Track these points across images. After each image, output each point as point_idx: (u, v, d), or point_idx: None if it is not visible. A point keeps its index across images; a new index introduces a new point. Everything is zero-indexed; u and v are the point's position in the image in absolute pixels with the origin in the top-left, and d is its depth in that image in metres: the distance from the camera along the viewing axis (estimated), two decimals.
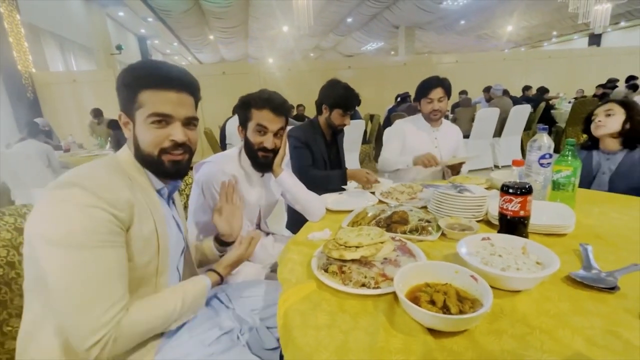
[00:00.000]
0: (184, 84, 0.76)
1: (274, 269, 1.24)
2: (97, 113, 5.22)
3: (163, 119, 0.73)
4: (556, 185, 1.11)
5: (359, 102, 1.71)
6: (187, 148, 0.78)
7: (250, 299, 0.95)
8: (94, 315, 0.59)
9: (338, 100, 1.66)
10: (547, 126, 1.11)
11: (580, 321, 0.60)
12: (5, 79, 5.65)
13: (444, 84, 1.84)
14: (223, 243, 1.06)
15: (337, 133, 1.83)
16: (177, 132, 0.74)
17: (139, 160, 0.77)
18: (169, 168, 0.76)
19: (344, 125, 1.74)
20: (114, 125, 4.51)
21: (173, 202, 0.89)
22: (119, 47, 9.10)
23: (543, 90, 6.41)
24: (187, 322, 0.83)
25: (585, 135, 1.58)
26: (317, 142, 1.74)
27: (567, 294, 0.69)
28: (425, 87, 1.84)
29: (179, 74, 0.75)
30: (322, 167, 1.76)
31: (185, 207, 1.36)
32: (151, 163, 0.75)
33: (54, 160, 3.72)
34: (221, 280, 0.87)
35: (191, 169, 1.22)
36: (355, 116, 4.85)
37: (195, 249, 1.05)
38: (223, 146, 4.63)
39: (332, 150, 1.84)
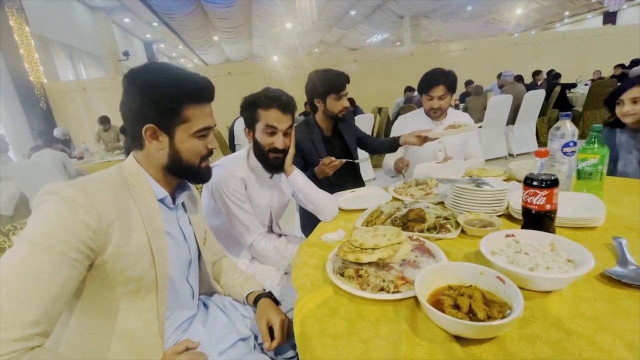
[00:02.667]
0: (214, 93, 0.78)
1: (288, 272, 1.22)
2: (103, 120, 5.29)
3: (208, 131, 0.77)
4: (582, 175, 1.05)
5: (347, 79, 1.59)
6: (212, 152, 0.81)
7: None
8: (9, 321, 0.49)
9: (326, 86, 1.56)
10: (569, 112, 1.05)
11: (620, 324, 0.56)
12: (19, 91, 5.79)
13: (448, 80, 1.70)
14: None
15: (339, 122, 1.69)
16: (213, 140, 0.79)
17: (173, 170, 0.76)
18: (206, 173, 0.81)
19: (346, 108, 1.60)
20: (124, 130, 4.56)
21: (185, 210, 0.87)
22: (125, 53, 9.20)
23: (555, 76, 6.18)
24: (205, 325, 0.83)
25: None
26: (312, 142, 1.64)
27: (603, 293, 0.64)
28: (427, 83, 1.73)
29: (212, 85, 0.77)
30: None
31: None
32: (190, 171, 0.78)
33: (70, 167, 3.80)
34: None
35: None
36: (357, 111, 4.77)
37: (211, 264, 0.99)
38: (232, 147, 4.64)
39: (334, 145, 1.72)
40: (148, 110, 0.70)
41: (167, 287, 0.73)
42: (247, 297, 0.93)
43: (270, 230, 1.36)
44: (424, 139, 1.52)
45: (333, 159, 1.43)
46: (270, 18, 9.77)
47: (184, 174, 0.79)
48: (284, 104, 1.10)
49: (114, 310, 0.67)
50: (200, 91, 0.74)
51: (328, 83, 1.56)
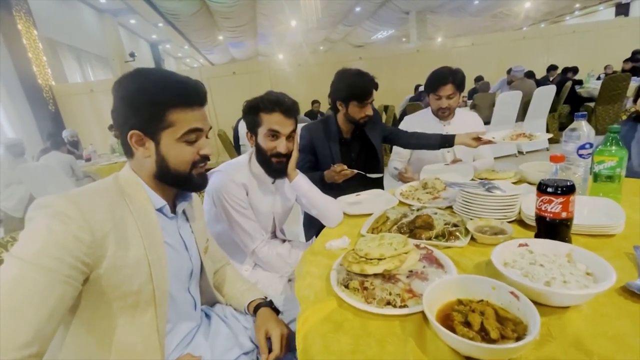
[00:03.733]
0: (205, 97, 0.75)
1: (291, 279, 1.19)
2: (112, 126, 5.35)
3: (195, 135, 0.73)
4: (599, 178, 1.00)
5: (375, 87, 1.49)
6: (208, 158, 0.77)
7: None
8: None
9: (350, 91, 1.47)
10: (585, 113, 1.00)
11: None
12: (28, 94, 5.87)
13: (456, 79, 1.64)
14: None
15: (360, 127, 1.59)
16: (206, 146, 0.75)
17: (163, 178, 0.73)
18: (199, 181, 0.77)
19: (366, 117, 1.51)
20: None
21: (186, 218, 0.84)
22: (132, 55, 9.28)
23: (571, 71, 5.97)
24: (207, 338, 0.81)
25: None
26: (326, 143, 1.59)
27: (626, 309, 0.60)
28: (434, 82, 1.67)
29: (201, 88, 0.74)
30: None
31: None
32: (180, 179, 0.74)
33: (78, 170, 3.84)
34: None
35: None
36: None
37: (213, 273, 0.97)
38: (237, 147, 4.64)
39: (350, 149, 1.66)
40: (131, 116, 0.68)
41: (167, 301, 0.71)
42: (247, 306, 0.90)
43: (274, 235, 1.34)
44: (479, 140, 1.42)
45: (345, 167, 1.36)
46: (275, 16, 9.74)
47: (175, 183, 0.75)
48: (287, 107, 1.07)
49: (112, 326, 0.65)
50: (184, 94, 0.70)
51: (353, 90, 1.47)
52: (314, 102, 6.35)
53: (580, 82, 5.94)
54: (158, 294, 0.68)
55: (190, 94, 0.71)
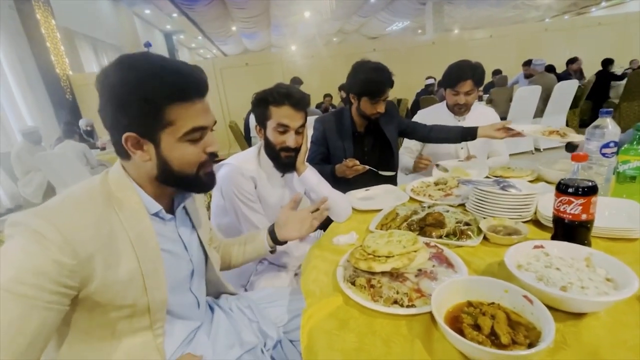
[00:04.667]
0: (206, 86, 0.65)
1: (298, 272, 1.19)
2: None
3: (200, 133, 0.65)
4: (622, 178, 0.95)
5: (391, 84, 1.45)
6: (216, 155, 0.70)
7: (274, 310, 0.90)
8: None
9: (364, 87, 1.43)
10: (611, 110, 0.95)
11: None
12: (46, 82, 6.00)
13: (476, 74, 1.58)
14: (277, 240, 0.97)
15: (373, 123, 1.57)
16: (213, 142, 0.67)
17: (166, 181, 0.66)
18: (207, 181, 0.70)
19: (378, 113, 1.48)
20: None
21: (187, 213, 0.80)
22: (146, 45, 9.34)
23: (608, 63, 5.59)
24: (209, 336, 0.79)
25: None
26: (339, 136, 1.56)
27: None
28: (453, 77, 1.60)
29: (201, 76, 0.64)
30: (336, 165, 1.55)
31: (209, 207, 1.34)
32: (186, 181, 0.67)
33: (92, 158, 3.92)
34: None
35: None
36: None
37: (219, 263, 0.94)
38: (248, 139, 4.65)
39: (364, 143, 1.63)
40: (123, 116, 0.59)
41: (165, 308, 0.67)
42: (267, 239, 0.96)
43: None
44: (506, 131, 1.35)
45: (357, 162, 1.33)
46: (288, 7, 9.63)
47: (180, 185, 0.69)
48: (297, 101, 1.05)
49: (109, 332, 0.62)
50: (182, 86, 0.61)
51: (366, 86, 1.44)
52: (326, 95, 6.29)
53: (620, 77, 5.56)
54: (153, 305, 0.64)
55: (189, 87, 0.62)
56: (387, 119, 1.59)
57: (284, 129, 1.07)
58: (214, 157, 0.70)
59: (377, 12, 11.61)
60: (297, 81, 5.24)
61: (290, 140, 1.08)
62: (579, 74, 5.85)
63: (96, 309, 0.59)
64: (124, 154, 0.64)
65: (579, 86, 4.47)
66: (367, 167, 1.34)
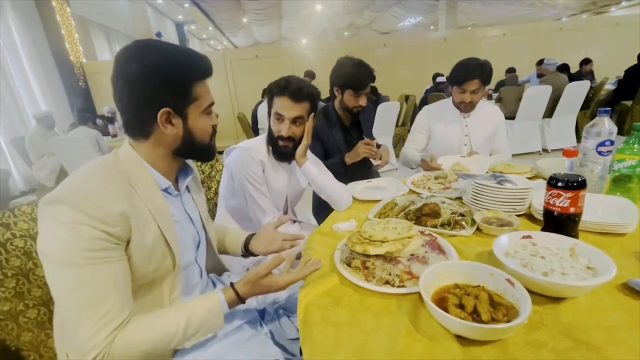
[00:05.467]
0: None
1: (298, 257, 1.23)
2: None
3: (212, 108, 0.75)
4: (617, 177, 0.98)
5: (372, 79, 1.53)
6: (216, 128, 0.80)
7: None
8: (86, 335, 0.57)
9: (347, 80, 1.51)
10: (608, 109, 0.97)
11: (638, 338, 0.53)
12: (60, 69, 6.12)
13: (483, 73, 1.59)
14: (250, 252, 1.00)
15: (356, 116, 1.65)
16: (214, 117, 0.78)
17: (185, 152, 0.75)
18: (213, 150, 0.81)
19: (360, 106, 1.55)
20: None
21: (188, 191, 0.86)
22: (158, 35, 9.42)
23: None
24: None
25: None
26: (330, 130, 1.61)
27: (624, 304, 0.60)
28: (460, 75, 1.62)
29: (209, 60, 0.74)
30: (338, 156, 1.61)
31: (216, 192, 1.40)
32: (202, 150, 0.77)
33: (104, 145, 4.02)
34: (239, 300, 0.73)
35: (220, 153, 1.25)
36: (379, 100, 4.63)
37: (219, 232, 1.02)
38: (255, 130, 4.70)
39: (354, 135, 1.69)
40: (163, 93, 0.66)
41: (180, 274, 0.75)
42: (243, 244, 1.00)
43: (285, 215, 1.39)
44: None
45: (372, 142, 1.45)
46: (300, 0, 9.59)
47: (194, 154, 0.78)
48: (294, 91, 1.10)
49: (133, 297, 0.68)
50: (205, 67, 0.71)
51: (349, 78, 1.51)
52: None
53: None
54: (171, 270, 0.72)
55: (208, 66, 0.72)
56: (366, 116, 1.71)
57: (279, 118, 1.14)
58: (215, 130, 0.80)
59: (389, 7, 11.48)
60: (310, 74, 5.23)
61: (284, 129, 1.13)
62: (590, 76, 5.75)
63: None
64: (145, 133, 0.70)
65: (591, 87, 4.40)
66: (380, 149, 1.46)
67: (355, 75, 1.50)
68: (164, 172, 0.75)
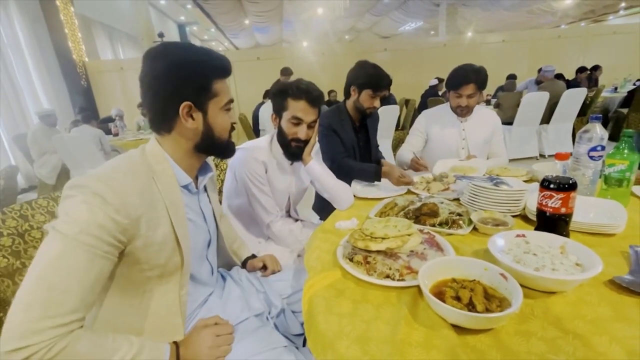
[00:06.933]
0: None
1: (301, 254, 1.27)
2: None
3: (231, 105, 0.79)
4: (608, 181, 1.02)
5: (389, 83, 1.58)
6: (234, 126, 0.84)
7: (279, 284, 0.99)
8: (29, 316, 0.52)
9: (367, 80, 1.55)
10: (600, 115, 1.01)
11: (621, 329, 0.56)
12: (63, 68, 6.15)
13: (478, 78, 1.64)
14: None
15: (366, 117, 1.70)
16: (234, 115, 0.82)
17: (205, 148, 0.78)
18: (232, 147, 0.84)
19: (374, 108, 1.61)
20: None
21: (205, 190, 0.90)
22: (160, 35, 9.46)
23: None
24: (221, 299, 0.89)
25: None
26: (344, 129, 1.65)
27: (609, 298, 0.64)
28: (456, 80, 1.68)
29: (228, 60, 0.79)
30: (352, 155, 1.68)
31: (220, 191, 1.44)
32: (220, 147, 0.80)
33: (106, 144, 4.05)
34: (177, 355, 0.69)
35: None
36: (389, 101, 4.69)
37: (229, 233, 1.07)
38: (256, 132, 4.74)
39: (360, 137, 1.74)
40: (185, 88, 0.70)
41: (189, 271, 0.78)
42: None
43: (288, 215, 1.42)
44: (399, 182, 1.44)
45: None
46: (301, 3, 9.67)
47: (214, 151, 0.81)
48: (313, 98, 1.15)
49: (141, 291, 0.72)
50: (225, 65, 0.76)
51: (371, 78, 1.55)
52: (331, 91, 6.37)
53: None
54: (180, 266, 0.74)
55: (227, 66, 0.76)
56: (372, 121, 1.74)
57: (297, 121, 1.16)
58: (234, 128, 0.84)
59: (390, 11, 11.58)
60: (287, 72, 5.13)
61: (301, 132, 1.17)
62: (593, 82, 5.85)
63: (135, 265, 0.69)
64: (167, 127, 0.74)
65: (587, 94, 4.47)
66: (415, 184, 1.38)
67: (376, 76, 1.56)
68: (186, 168, 0.78)
